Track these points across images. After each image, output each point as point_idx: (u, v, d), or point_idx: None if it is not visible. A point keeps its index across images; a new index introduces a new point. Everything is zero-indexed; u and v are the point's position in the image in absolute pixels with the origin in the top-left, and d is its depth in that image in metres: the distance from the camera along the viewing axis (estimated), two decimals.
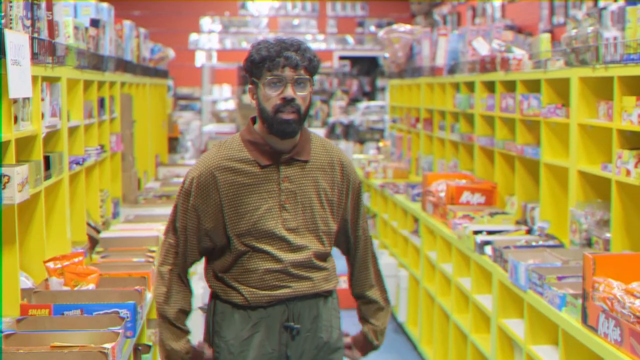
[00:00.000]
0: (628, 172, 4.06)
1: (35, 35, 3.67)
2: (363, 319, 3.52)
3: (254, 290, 3.24)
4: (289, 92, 3.13)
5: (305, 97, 3.17)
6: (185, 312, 3.33)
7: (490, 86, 6.40)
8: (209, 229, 3.25)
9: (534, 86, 5.46)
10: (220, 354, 3.29)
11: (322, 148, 3.34)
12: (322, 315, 3.33)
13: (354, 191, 3.41)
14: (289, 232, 3.23)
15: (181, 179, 8.03)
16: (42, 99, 3.89)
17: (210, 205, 3.23)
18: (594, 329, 3.58)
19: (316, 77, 3.23)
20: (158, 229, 5.29)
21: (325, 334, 3.34)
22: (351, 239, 3.48)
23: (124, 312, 3.45)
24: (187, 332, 3.32)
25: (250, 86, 3.24)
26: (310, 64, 3.18)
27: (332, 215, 3.33)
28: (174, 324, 3.28)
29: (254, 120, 3.31)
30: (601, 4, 8.27)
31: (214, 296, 3.36)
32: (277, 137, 3.20)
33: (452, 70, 7.29)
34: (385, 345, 6.07)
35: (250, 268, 3.24)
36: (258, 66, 3.16)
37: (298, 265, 3.25)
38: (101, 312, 3.43)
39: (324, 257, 3.33)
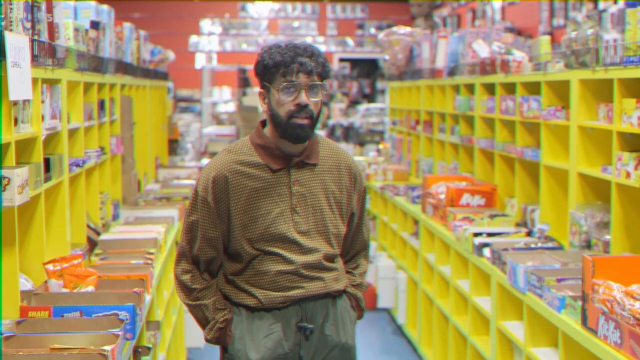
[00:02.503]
0: (628, 174, 4.06)
1: (36, 37, 3.67)
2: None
3: (267, 292, 3.27)
4: (303, 98, 3.17)
5: (318, 103, 3.21)
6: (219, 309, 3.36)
7: (490, 88, 6.40)
8: (219, 234, 3.27)
9: (533, 88, 5.47)
10: (236, 356, 3.31)
11: (330, 151, 3.38)
12: (331, 315, 3.36)
13: (359, 194, 3.44)
14: (300, 235, 3.27)
15: (181, 181, 8.10)
16: (42, 101, 3.89)
17: (222, 209, 3.24)
18: (594, 331, 3.58)
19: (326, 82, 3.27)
20: (157, 231, 5.29)
21: (335, 333, 3.37)
22: (352, 241, 3.50)
23: (123, 314, 3.45)
24: (227, 309, 3.35)
25: (261, 90, 3.27)
26: (324, 69, 3.22)
27: (341, 217, 3.37)
28: (210, 307, 3.33)
29: (263, 124, 3.32)
30: (601, 6, 8.27)
31: (225, 299, 3.38)
32: (289, 142, 3.23)
33: (452, 72, 7.29)
34: (385, 348, 6.07)
35: (262, 270, 3.27)
36: (271, 71, 3.19)
37: (309, 267, 3.28)
38: (100, 314, 3.43)
39: (333, 258, 3.37)
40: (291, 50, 3.18)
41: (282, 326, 3.29)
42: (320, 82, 3.21)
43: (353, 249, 3.53)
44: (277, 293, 3.27)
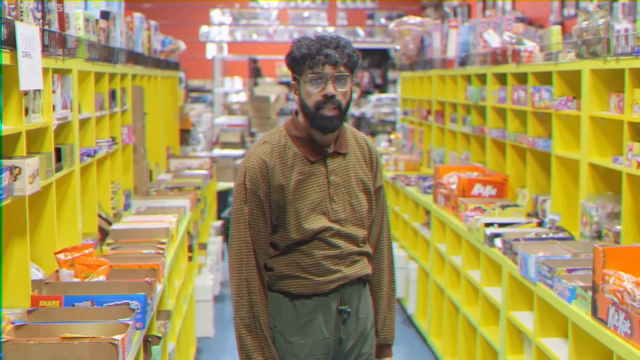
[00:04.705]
0: (639, 165, 4.05)
1: (46, 27, 3.68)
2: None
3: (310, 277, 3.31)
4: (330, 88, 3.23)
5: (346, 93, 3.27)
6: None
7: (501, 78, 6.39)
8: (269, 224, 3.30)
9: (545, 78, 5.45)
10: (277, 344, 3.33)
11: (354, 139, 3.47)
12: (363, 299, 3.44)
13: (381, 177, 3.50)
14: (339, 222, 3.33)
15: (193, 171, 8.11)
16: (53, 91, 3.90)
17: (267, 199, 3.27)
18: (604, 322, 3.58)
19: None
20: (169, 221, 5.30)
21: (366, 317, 3.43)
22: (376, 224, 3.52)
23: (134, 304, 3.45)
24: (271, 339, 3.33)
25: (293, 82, 3.34)
26: (350, 60, 3.28)
27: (370, 203, 3.43)
28: (266, 332, 3.30)
29: (296, 115, 3.36)
30: None
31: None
32: (318, 132, 3.28)
33: (463, 62, 7.28)
34: (395, 337, 6.06)
35: (303, 257, 3.32)
36: (299, 63, 3.26)
37: (349, 252, 3.35)
38: (111, 304, 3.44)
39: (366, 242, 3.45)
40: (318, 43, 3.25)
41: (323, 312, 3.33)
42: (347, 73, 3.25)
43: (374, 229, 3.54)
44: (319, 278, 3.31)
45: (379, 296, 3.52)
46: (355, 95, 16.32)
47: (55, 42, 3.83)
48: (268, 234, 3.31)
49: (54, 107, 3.90)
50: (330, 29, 19.37)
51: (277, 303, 3.35)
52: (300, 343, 3.33)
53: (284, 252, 3.33)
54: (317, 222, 3.29)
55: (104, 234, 4.91)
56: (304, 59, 3.23)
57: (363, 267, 3.41)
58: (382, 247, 3.53)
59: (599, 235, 4.63)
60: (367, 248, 3.45)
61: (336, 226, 3.31)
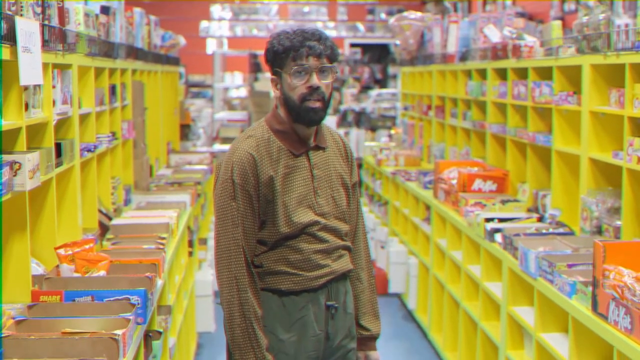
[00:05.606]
0: (639, 160, 4.05)
1: (46, 22, 3.68)
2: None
3: (301, 273, 3.29)
4: (314, 80, 3.23)
5: (329, 85, 3.27)
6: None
7: (502, 73, 6.39)
8: (256, 220, 3.27)
9: (545, 73, 5.45)
10: (268, 343, 3.28)
11: (330, 135, 3.48)
12: (348, 294, 3.44)
13: (356, 173, 3.52)
14: (324, 216, 3.33)
15: (193, 167, 8.11)
16: (53, 86, 3.90)
17: (256, 194, 3.24)
18: (604, 317, 3.58)
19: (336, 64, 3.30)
20: (169, 216, 5.30)
21: (352, 312, 3.45)
22: (353, 219, 3.52)
23: (134, 299, 3.46)
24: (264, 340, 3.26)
25: (272, 77, 3.31)
26: (332, 52, 3.28)
27: (348, 198, 3.44)
28: (257, 331, 3.23)
29: (276, 109, 3.35)
30: None
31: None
32: (302, 125, 3.29)
33: (463, 57, 7.28)
34: (395, 333, 6.06)
35: (292, 252, 3.29)
36: (281, 57, 3.24)
37: (335, 246, 3.35)
38: (112, 299, 3.44)
39: (348, 236, 3.45)
40: (299, 35, 3.23)
41: (312, 308, 3.32)
42: (330, 65, 3.25)
43: (351, 224, 3.54)
44: (308, 273, 3.29)
45: (360, 290, 3.51)
46: (355, 91, 16.31)
47: (55, 37, 3.82)
48: (256, 230, 3.27)
49: (54, 102, 3.90)
50: (331, 24, 19.34)
51: (265, 301, 3.29)
52: (292, 341, 3.29)
53: (272, 247, 3.28)
54: (305, 216, 3.27)
55: (104, 229, 4.91)
56: (287, 51, 3.21)
57: (348, 262, 3.42)
58: (360, 242, 3.54)
59: (599, 230, 4.63)
60: (350, 242, 3.46)
61: (322, 220, 3.31)
